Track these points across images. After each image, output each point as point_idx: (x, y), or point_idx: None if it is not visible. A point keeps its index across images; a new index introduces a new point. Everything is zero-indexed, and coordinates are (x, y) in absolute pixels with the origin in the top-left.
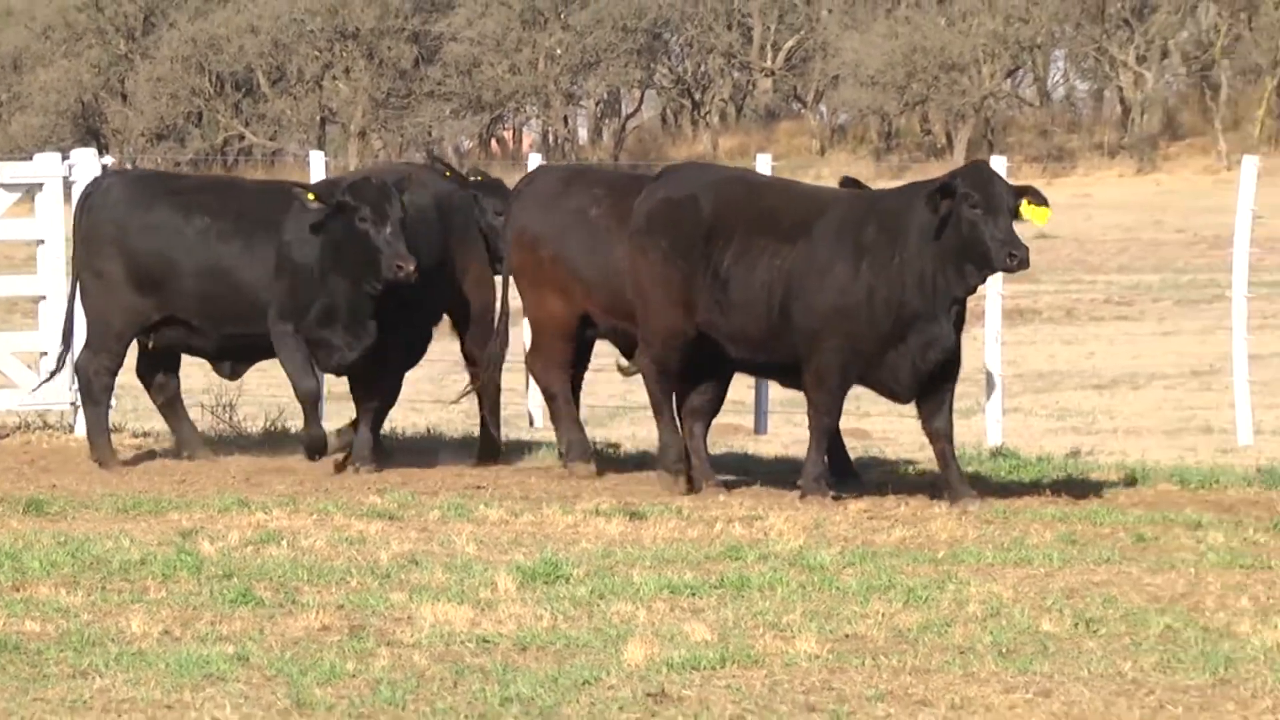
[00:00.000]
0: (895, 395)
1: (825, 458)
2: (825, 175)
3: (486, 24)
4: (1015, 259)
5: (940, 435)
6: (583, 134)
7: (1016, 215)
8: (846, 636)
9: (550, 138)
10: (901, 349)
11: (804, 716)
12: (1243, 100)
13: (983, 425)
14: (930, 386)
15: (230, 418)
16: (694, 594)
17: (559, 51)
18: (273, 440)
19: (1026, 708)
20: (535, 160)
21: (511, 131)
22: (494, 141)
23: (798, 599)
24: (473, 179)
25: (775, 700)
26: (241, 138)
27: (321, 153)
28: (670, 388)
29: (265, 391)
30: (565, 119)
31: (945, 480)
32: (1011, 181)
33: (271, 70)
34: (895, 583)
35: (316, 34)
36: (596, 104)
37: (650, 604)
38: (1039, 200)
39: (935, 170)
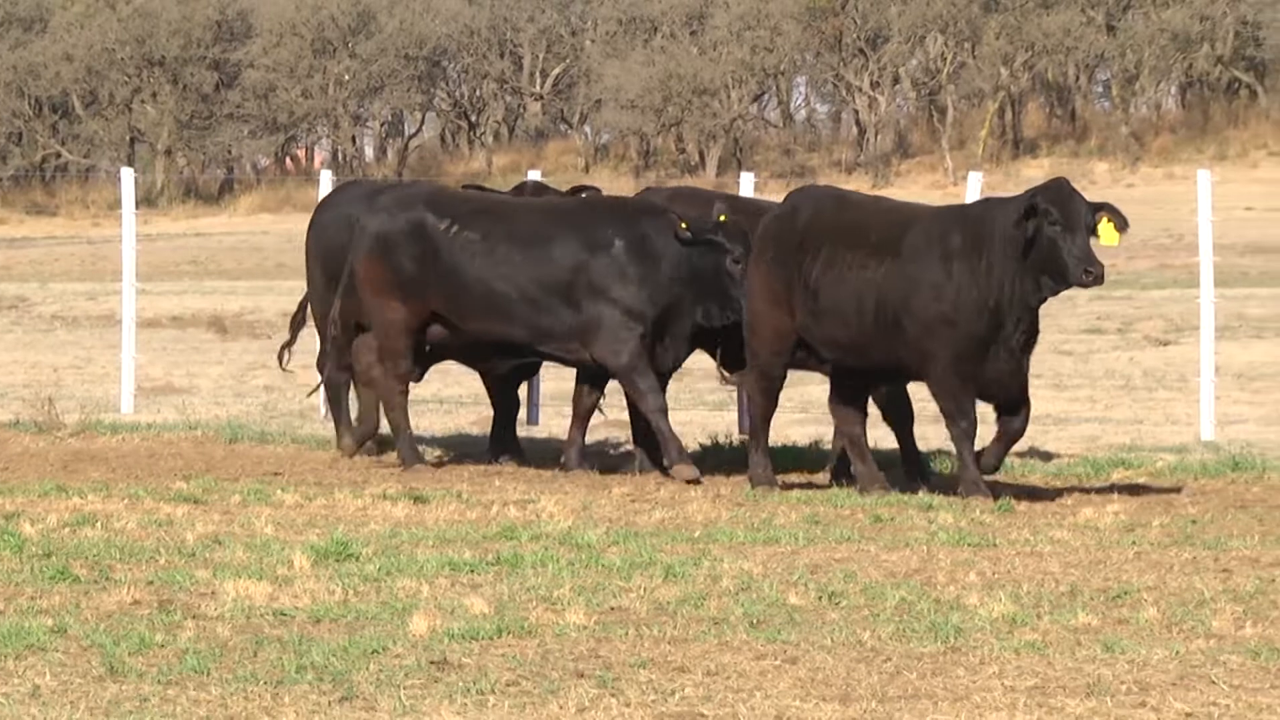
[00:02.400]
0: (989, 396)
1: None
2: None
3: (281, 52)
4: (1091, 275)
5: (1009, 435)
6: (369, 152)
7: (1094, 232)
8: (612, 609)
9: (339, 156)
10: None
11: (573, 682)
12: (967, 121)
13: (734, 418)
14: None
15: (50, 411)
16: (473, 571)
17: (347, 78)
18: (88, 430)
19: (775, 674)
20: (326, 177)
21: (304, 150)
22: (288, 159)
23: (567, 575)
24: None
25: (547, 667)
26: (58, 155)
27: (131, 169)
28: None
29: (81, 388)
30: (353, 139)
31: (960, 476)
32: (1089, 199)
33: (85, 94)
34: (656, 560)
35: (126, 61)
36: (381, 125)
37: (433, 580)
38: (1117, 219)
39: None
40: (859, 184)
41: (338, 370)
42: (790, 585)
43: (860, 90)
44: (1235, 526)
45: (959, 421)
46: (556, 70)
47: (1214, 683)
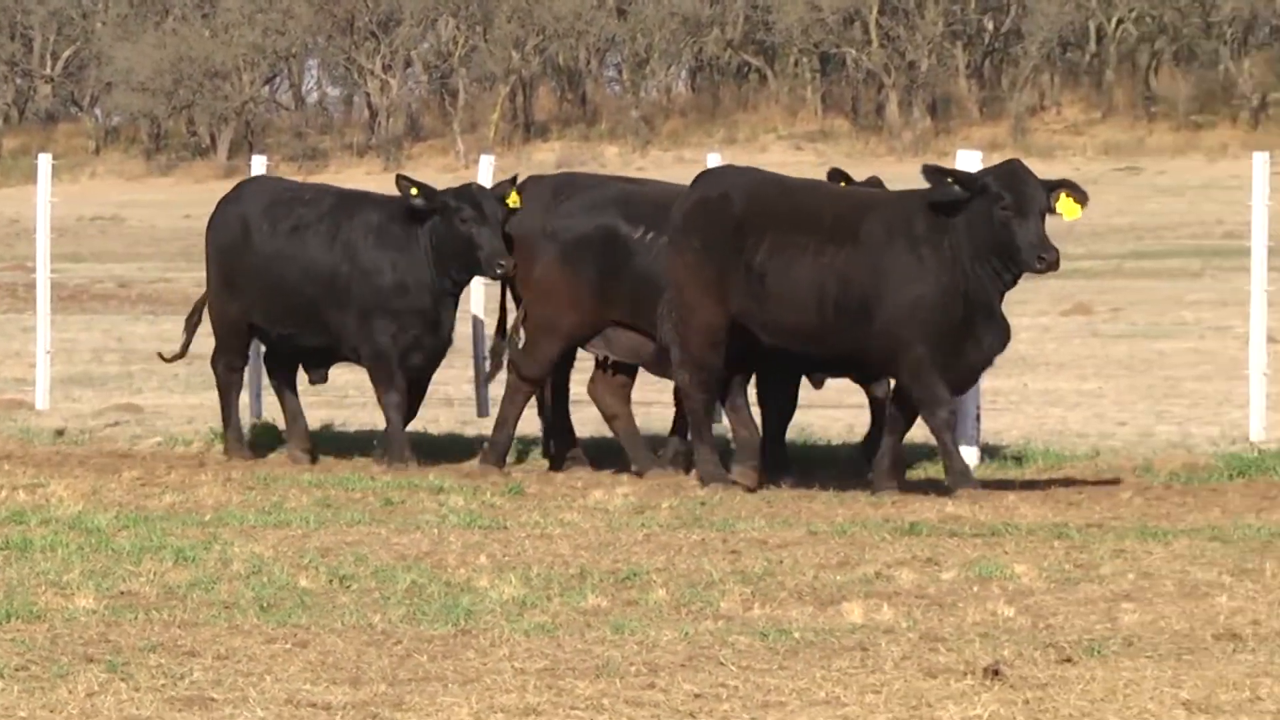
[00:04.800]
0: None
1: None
2: (100, 172)
3: None
4: (1044, 261)
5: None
6: None
7: (1051, 211)
8: (122, 593)
9: None
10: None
11: (83, 667)
12: (479, 105)
13: (245, 401)
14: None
15: None
16: None
17: None
18: None
19: (286, 657)
20: (259, 162)
21: None
22: None
23: (77, 559)
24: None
25: (56, 652)
26: None
27: None
28: (713, 397)
29: None
30: None
31: (947, 468)
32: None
33: None
34: (166, 544)
35: None
36: None
37: None
38: (1076, 193)
39: (202, 169)
40: (370, 166)
41: (228, 371)
42: (301, 568)
43: (372, 73)
44: (744, 508)
45: (937, 411)
46: (67, 52)
47: (722, 663)
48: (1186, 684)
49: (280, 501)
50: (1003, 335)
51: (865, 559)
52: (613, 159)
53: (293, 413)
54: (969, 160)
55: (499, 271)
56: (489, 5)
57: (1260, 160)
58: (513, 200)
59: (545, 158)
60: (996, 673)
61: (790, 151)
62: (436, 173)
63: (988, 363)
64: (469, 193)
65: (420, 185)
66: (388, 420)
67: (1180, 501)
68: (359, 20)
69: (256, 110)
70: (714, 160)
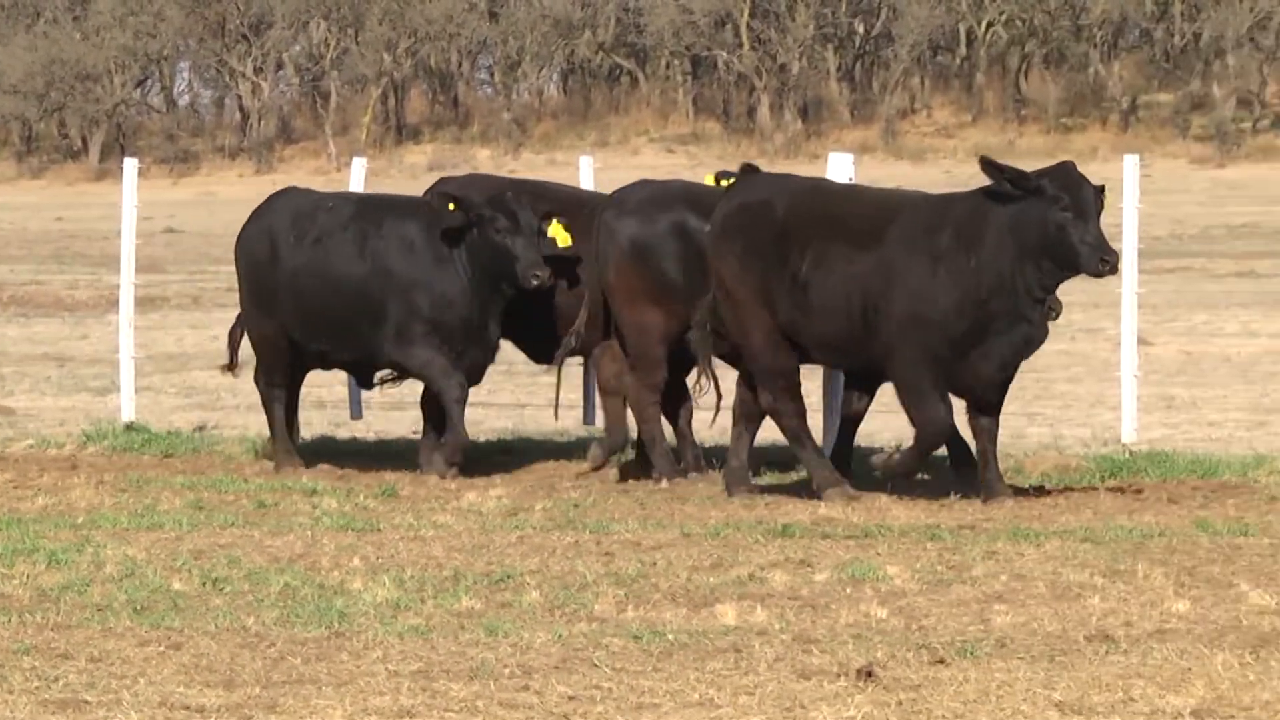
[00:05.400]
0: (976, 396)
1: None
2: None
3: None
4: (1107, 264)
5: (984, 432)
6: None
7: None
8: None
9: None
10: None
11: None
12: (350, 107)
13: (118, 403)
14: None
15: None
16: None
17: None
18: None
19: (159, 660)
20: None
21: None
22: None
23: None
24: None
25: None
26: None
27: None
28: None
29: None
30: None
31: (983, 478)
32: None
33: None
34: (38, 546)
35: None
36: None
37: None
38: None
39: (74, 171)
40: (243, 169)
41: (269, 386)
42: (174, 571)
43: (244, 76)
44: (617, 509)
45: (926, 428)
46: None
47: (596, 665)
48: (1059, 685)
49: (153, 504)
50: (1032, 337)
51: (739, 561)
52: (485, 161)
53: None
54: (840, 163)
55: (534, 283)
56: (360, 8)
57: (1131, 163)
58: (562, 239)
59: (417, 160)
60: (869, 674)
61: (662, 154)
62: (308, 175)
63: (1012, 367)
64: (503, 202)
65: (457, 199)
66: (449, 416)
67: (1052, 503)
68: (230, 23)
69: (128, 113)
70: (586, 164)
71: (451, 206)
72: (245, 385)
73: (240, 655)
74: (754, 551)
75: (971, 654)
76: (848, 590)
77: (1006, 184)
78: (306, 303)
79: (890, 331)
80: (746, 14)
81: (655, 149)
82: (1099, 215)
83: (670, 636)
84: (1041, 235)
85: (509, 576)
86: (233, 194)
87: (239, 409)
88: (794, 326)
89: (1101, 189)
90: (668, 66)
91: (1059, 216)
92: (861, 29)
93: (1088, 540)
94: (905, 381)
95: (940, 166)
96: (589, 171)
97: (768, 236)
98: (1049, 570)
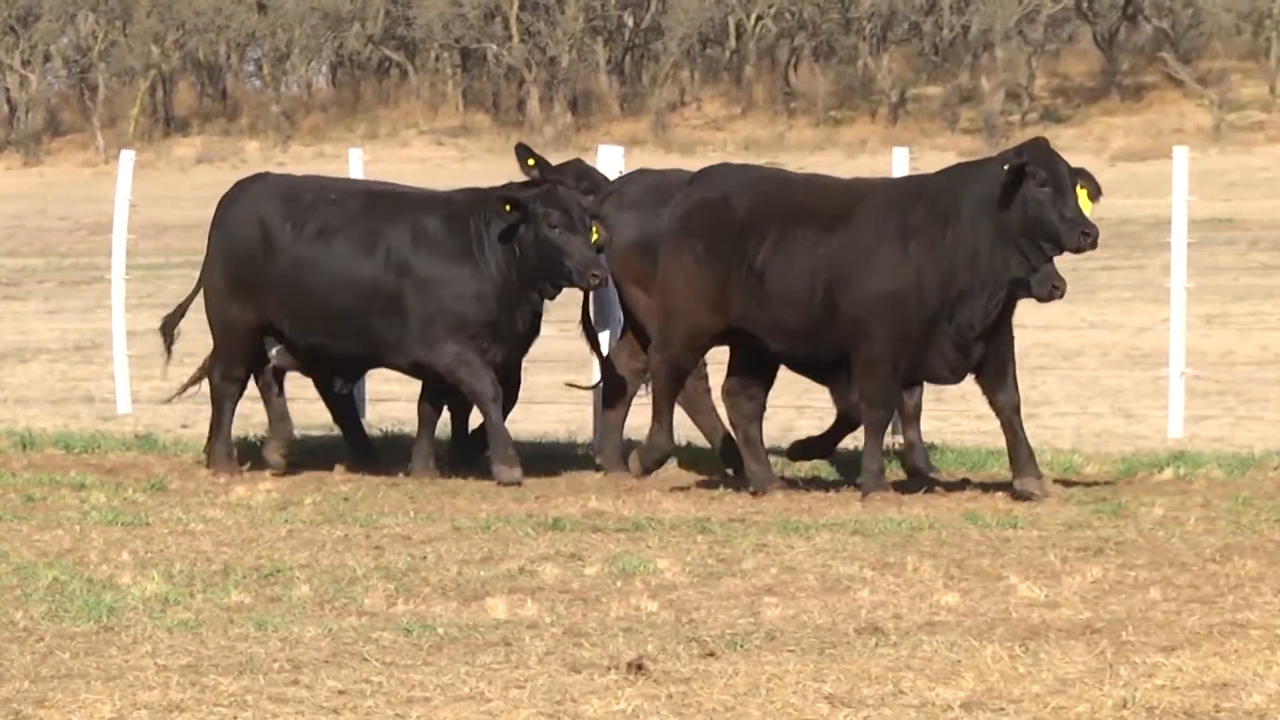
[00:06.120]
0: (943, 379)
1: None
2: None
3: None
4: (1088, 238)
5: (1007, 408)
6: None
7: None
8: None
9: None
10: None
11: None
12: (118, 100)
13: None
14: (989, 361)
15: None
16: None
17: None
18: None
19: None
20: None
21: None
22: None
23: None
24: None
25: None
26: None
27: None
28: (677, 389)
29: None
30: None
31: (1013, 456)
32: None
33: None
34: None
35: None
36: None
37: None
38: (1090, 185)
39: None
40: (10, 162)
41: (225, 380)
42: None
43: (11, 68)
44: (388, 503)
45: (877, 409)
46: None
47: (366, 659)
48: (829, 677)
49: None
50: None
51: (509, 554)
52: (254, 154)
53: (279, 413)
54: (611, 156)
55: (593, 283)
56: (128, 0)
57: (900, 155)
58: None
59: (186, 153)
60: (640, 667)
61: (432, 147)
62: (76, 168)
63: (977, 346)
64: (556, 197)
65: (538, 157)
66: (487, 418)
67: (822, 496)
68: None
69: None
70: (356, 156)
71: (530, 162)
72: (8, 380)
73: (8, 650)
74: (524, 545)
75: (742, 647)
76: (618, 584)
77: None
78: (306, 294)
79: (860, 312)
80: (516, 7)
81: (425, 141)
82: (1096, 201)
83: (440, 630)
84: (1020, 212)
85: (278, 571)
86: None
87: (5, 403)
88: (749, 317)
89: (1079, 173)
90: (437, 59)
91: (1039, 193)
92: (631, 22)
93: (857, 533)
94: (872, 361)
95: (710, 159)
96: (359, 164)
97: (728, 230)
98: (819, 563)
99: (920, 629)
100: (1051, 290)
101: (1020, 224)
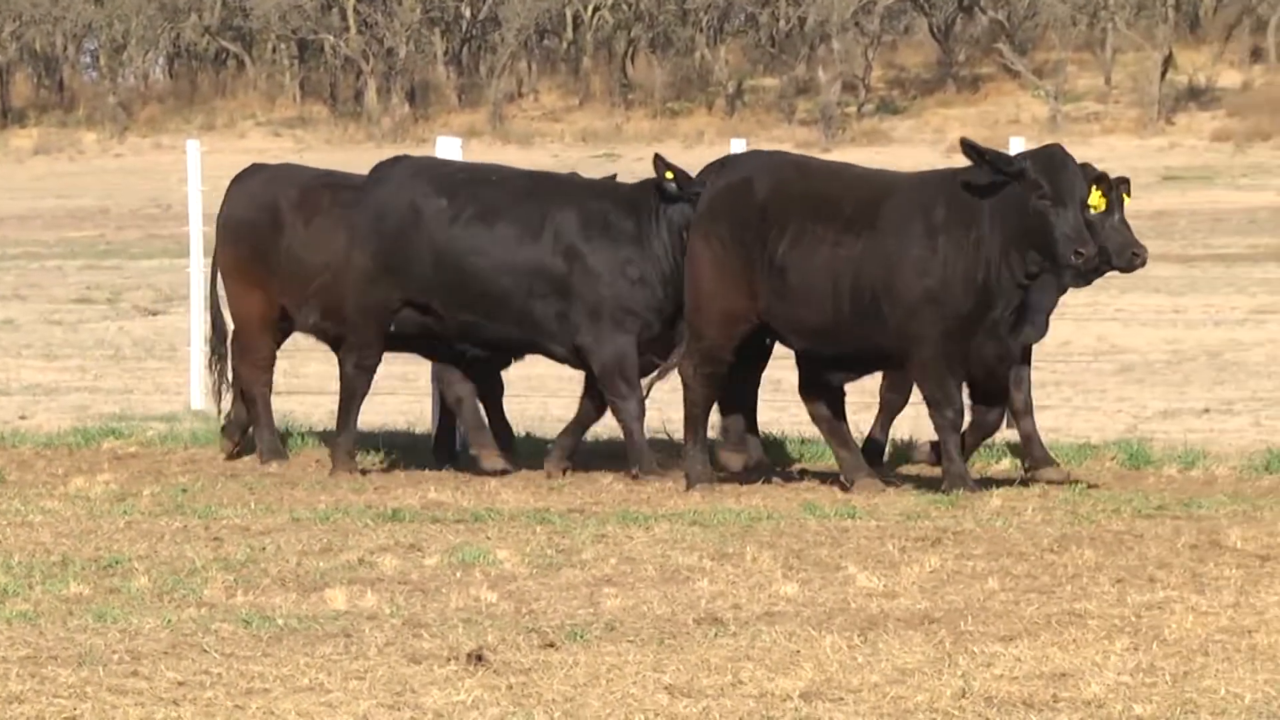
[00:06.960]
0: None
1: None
2: None
3: None
4: (1080, 256)
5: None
6: None
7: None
8: None
9: None
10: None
11: None
12: None
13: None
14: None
15: None
16: None
17: None
18: None
19: None
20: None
21: None
22: None
23: None
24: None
25: None
26: None
27: None
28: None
29: None
30: None
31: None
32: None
33: None
34: None
35: None
36: None
37: None
38: (1104, 186)
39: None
40: None
41: (358, 368)
42: None
43: None
44: (226, 495)
45: (944, 410)
46: None
47: (205, 651)
48: (669, 668)
49: None
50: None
51: (348, 545)
52: (91, 145)
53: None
54: (448, 147)
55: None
56: None
57: (738, 146)
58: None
59: (23, 144)
60: (480, 658)
61: (269, 138)
62: None
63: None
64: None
65: (675, 167)
66: (627, 433)
67: (660, 486)
68: None
69: None
70: (193, 148)
71: (669, 175)
72: None
73: None
74: (364, 536)
75: (581, 637)
76: (458, 574)
77: (987, 167)
78: (466, 275)
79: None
80: None
81: (262, 133)
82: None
83: (280, 621)
84: (1021, 221)
85: (117, 562)
86: None
87: None
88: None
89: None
90: (274, 50)
91: (1038, 204)
92: (469, 13)
93: (696, 523)
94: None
95: (548, 150)
96: (196, 156)
97: (752, 217)
98: (658, 553)
99: (759, 619)
100: (1132, 258)
101: (1018, 232)
